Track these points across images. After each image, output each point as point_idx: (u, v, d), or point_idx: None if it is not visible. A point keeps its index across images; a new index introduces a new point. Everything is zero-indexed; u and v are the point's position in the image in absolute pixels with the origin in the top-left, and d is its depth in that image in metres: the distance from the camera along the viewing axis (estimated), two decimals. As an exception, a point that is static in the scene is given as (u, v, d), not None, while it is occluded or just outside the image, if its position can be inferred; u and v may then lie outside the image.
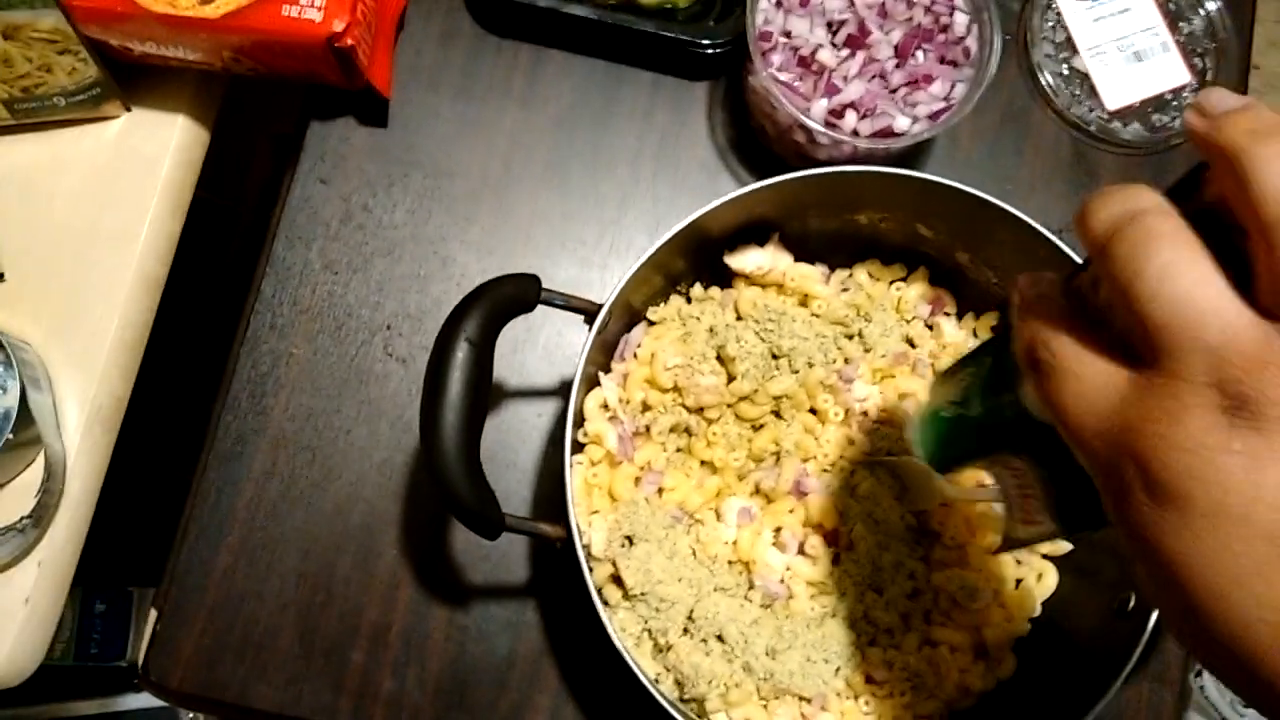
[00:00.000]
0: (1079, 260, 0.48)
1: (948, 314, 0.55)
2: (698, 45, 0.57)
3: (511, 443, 0.56)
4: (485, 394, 0.42)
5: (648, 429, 0.52)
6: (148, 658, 0.52)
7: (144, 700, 0.91)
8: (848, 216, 0.53)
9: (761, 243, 0.54)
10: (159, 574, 0.54)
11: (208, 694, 0.51)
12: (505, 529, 0.43)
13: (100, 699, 0.90)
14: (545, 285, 0.46)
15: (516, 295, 0.44)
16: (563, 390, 0.57)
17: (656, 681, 0.49)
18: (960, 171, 0.59)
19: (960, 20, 0.54)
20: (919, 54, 0.54)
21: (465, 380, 0.41)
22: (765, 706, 0.49)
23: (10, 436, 0.50)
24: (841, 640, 0.50)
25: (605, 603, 0.50)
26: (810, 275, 0.54)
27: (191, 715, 0.90)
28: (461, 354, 0.41)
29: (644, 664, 0.49)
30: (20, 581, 0.53)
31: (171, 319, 0.61)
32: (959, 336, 0.54)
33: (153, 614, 0.52)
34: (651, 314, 0.54)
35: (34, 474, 0.54)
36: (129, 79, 0.56)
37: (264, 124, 0.95)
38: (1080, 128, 0.61)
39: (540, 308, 0.46)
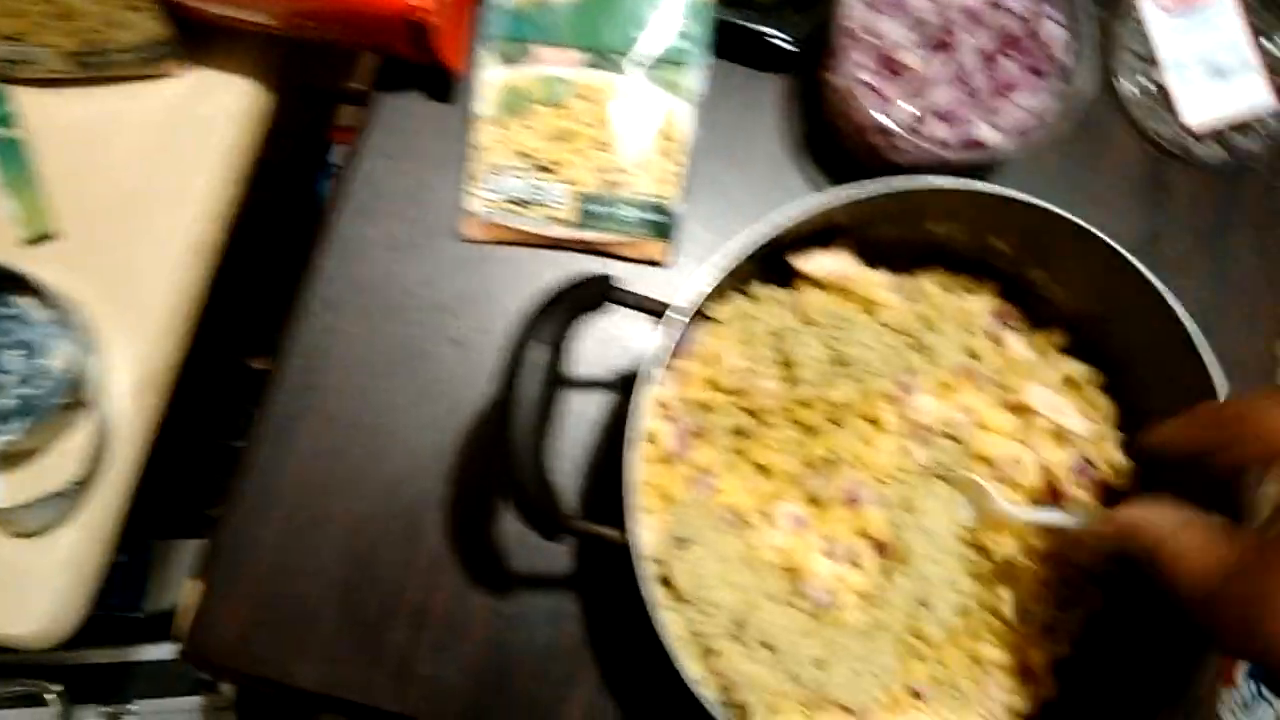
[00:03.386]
0: (1150, 277, 0.47)
1: (1015, 329, 0.54)
2: (776, 38, 0.55)
3: (562, 434, 0.55)
4: (556, 396, 0.42)
5: (702, 430, 0.52)
6: (192, 634, 0.51)
7: (156, 652, 0.92)
8: (919, 224, 0.52)
9: (826, 244, 0.53)
10: (179, 528, 0.53)
11: (250, 670, 0.51)
12: (567, 531, 0.43)
13: (117, 648, 0.90)
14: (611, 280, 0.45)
15: (591, 295, 0.43)
16: (616, 383, 0.56)
17: (700, 684, 0.49)
18: (1033, 181, 0.57)
19: (1051, 30, 0.52)
20: (1006, 63, 0.52)
21: (541, 382, 0.40)
22: (809, 716, 0.49)
23: (61, 399, 0.50)
24: (888, 653, 0.50)
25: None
26: (877, 282, 0.53)
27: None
28: (538, 356, 0.40)
29: (688, 666, 0.49)
30: (65, 544, 0.53)
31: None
32: (1026, 353, 0.53)
33: (197, 586, 0.52)
34: (713, 312, 0.53)
35: (81, 438, 0.53)
36: (193, 38, 0.55)
37: (297, 75, 0.93)
38: (1157, 144, 0.60)
39: (603, 300, 0.45)
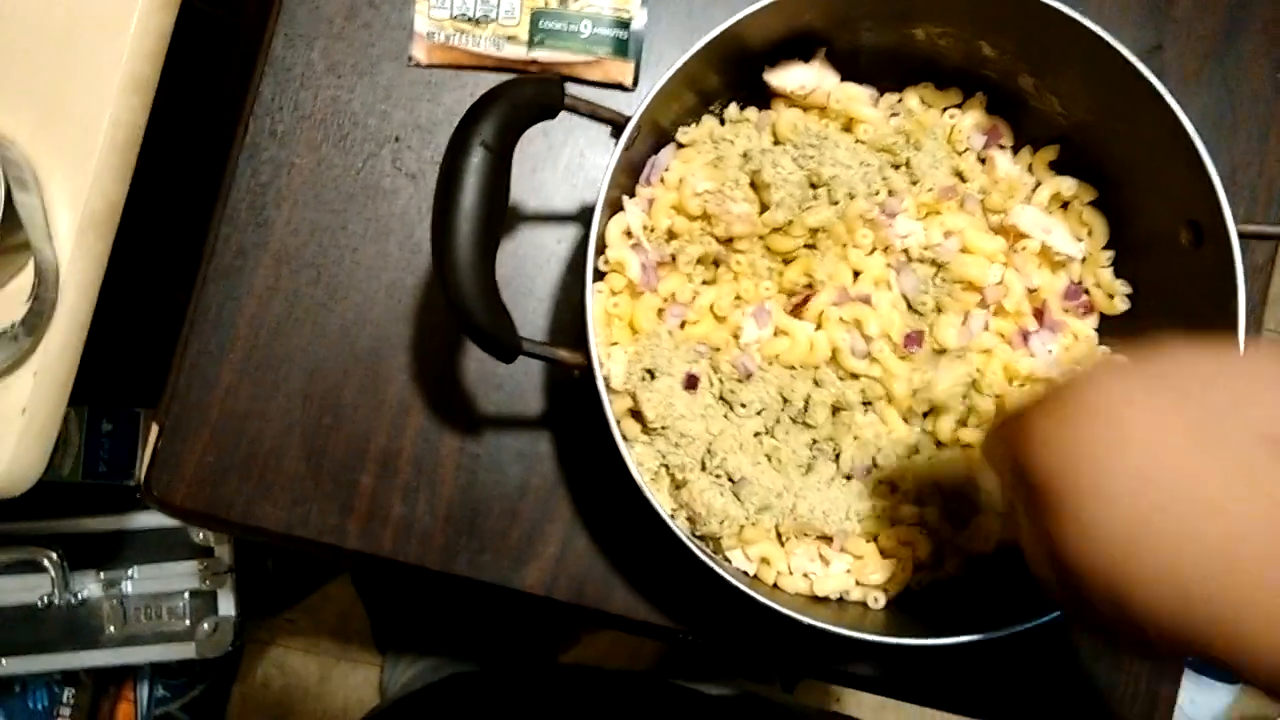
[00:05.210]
0: (1157, 84, 0.44)
1: (1003, 146, 0.51)
2: None
3: (528, 269, 0.53)
4: (502, 206, 0.39)
5: (673, 258, 0.49)
6: (150, 474, 0.50)
7: (152, 519, 0.92)
8: (903, 30, 0.48)
9: (806, 58, 0.49)
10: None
11: (213, 512, 0.50)
12: (521, 353, 0.41)
13: (109, 516, 0.91)
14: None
15: (538, 99, 0.40)
16: (584, 215, 0.53)
17: (672, 517, 0.48)
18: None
19: None
20: None
21: (481, 189, 0.37)
22: (783, 544, 0.48)
23: (-3, 239, 0.48)
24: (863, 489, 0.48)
25: (623, 436, 0.48)
26: (857, 96, 0.49)
27: (202, 535, 0.91)
28: (477, 159, 0.37)
29: (660, 499, 0.48)
30: (16, 391, 0.51)
31: (170, 135, 0.58)
32: (1014, 171, 0.50)
33: (154, 429, 0.51)
34: (681, 135, 0.50)
35: (24, 281, 0.51)
36: None
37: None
38: (1164, -56, 0.55)
39: (562, 122, 0.42)
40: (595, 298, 0.48)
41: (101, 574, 0.90)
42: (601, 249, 0.48)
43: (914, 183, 0.50)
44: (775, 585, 0.48)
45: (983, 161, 0.51)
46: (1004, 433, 0.33)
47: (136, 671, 1.03)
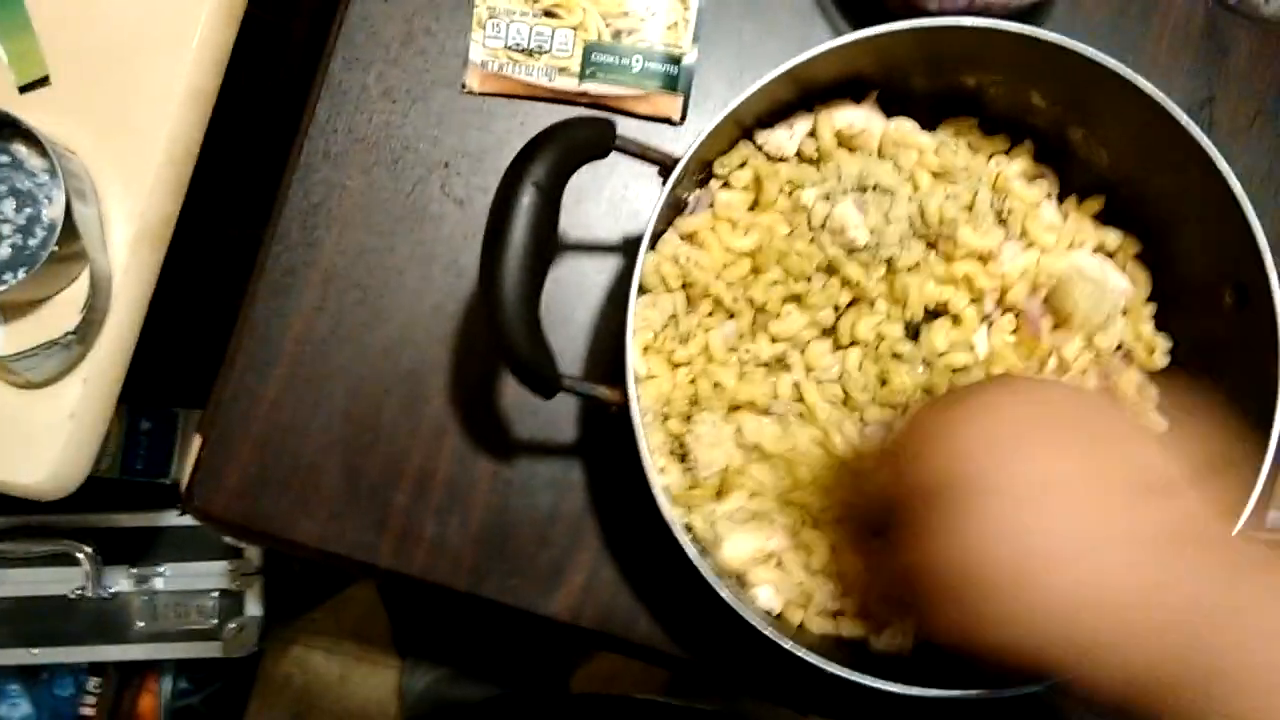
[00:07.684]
0: (1203, 140, 0.44)
1: (1048, 196, 0.51)
2: None
3: (568, 298, 0.53)
4: (550, 245, 0.39)
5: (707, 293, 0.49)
6: (191, 484, 0.51)
7: (185, 519, 0.94)
8: (953, 78, 0.49)
9: (856, 99, 0.50)
10: (205, 398, 0.53)
11: (250, 524, 0.51)
12: (561, 389, 0.41)
13: (144, 513, 0.92)
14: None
15: (590, 140, 0.41)
16: (626, 247, 0.54)
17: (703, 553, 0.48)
18: (1076, 34, 0.53)
19: None
20: (1055, -104, 0.48)
21: (530, 228, 0.38)
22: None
23: (55, 249, 0.49)
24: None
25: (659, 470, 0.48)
26: (910, 130, 0.49)
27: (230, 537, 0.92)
28: (528, 199, 0.38)
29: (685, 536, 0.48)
30: (65, 397, 0.52)
31: (220, 140, 0.59)
32: (1056, 220, 0.50)
33: (197, 441, 0.52)
34: (719, 168, 0.50)
35: (79, 289, 0.52)
36: None
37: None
38: (1218, -3, 0.55)
39: (609, 156, 0.43)
40: (634, 335, 0.49)
41: (133, 570, 0.92)
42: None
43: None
44: (801, 626, 0.48)
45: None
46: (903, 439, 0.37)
47: (160, 664, 1.05)
